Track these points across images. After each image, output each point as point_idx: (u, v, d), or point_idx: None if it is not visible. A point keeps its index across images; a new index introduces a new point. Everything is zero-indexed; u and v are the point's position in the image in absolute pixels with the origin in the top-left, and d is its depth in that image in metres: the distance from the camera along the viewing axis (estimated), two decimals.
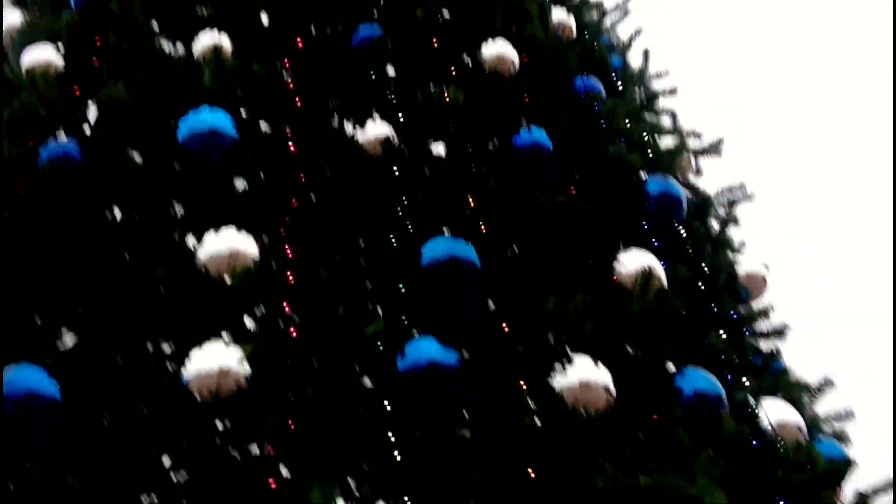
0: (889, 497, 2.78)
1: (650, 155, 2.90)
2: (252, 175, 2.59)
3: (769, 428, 2.68)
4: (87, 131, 2.74)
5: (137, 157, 2.57)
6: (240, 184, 2.59)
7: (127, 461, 1.85)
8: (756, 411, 2.72)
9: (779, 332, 3.37)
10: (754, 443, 2.53)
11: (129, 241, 2.39)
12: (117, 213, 2.47)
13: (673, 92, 3.43)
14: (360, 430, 1.92)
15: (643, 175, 2.82)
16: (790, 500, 2.41)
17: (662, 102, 3.36)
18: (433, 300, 2.22)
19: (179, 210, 2.53)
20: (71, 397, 2.00)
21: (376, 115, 2.67)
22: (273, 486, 1.87)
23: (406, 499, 1.88)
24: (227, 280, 2.24)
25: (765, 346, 3.33)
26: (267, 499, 1.82)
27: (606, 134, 2.68)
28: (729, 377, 2.79)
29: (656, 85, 3.42)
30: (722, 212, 3.28)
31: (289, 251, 2.39)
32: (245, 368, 1.99)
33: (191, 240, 2.36)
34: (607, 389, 2.18)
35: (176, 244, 2.40)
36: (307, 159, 2.61)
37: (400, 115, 2.71)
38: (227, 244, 2.29)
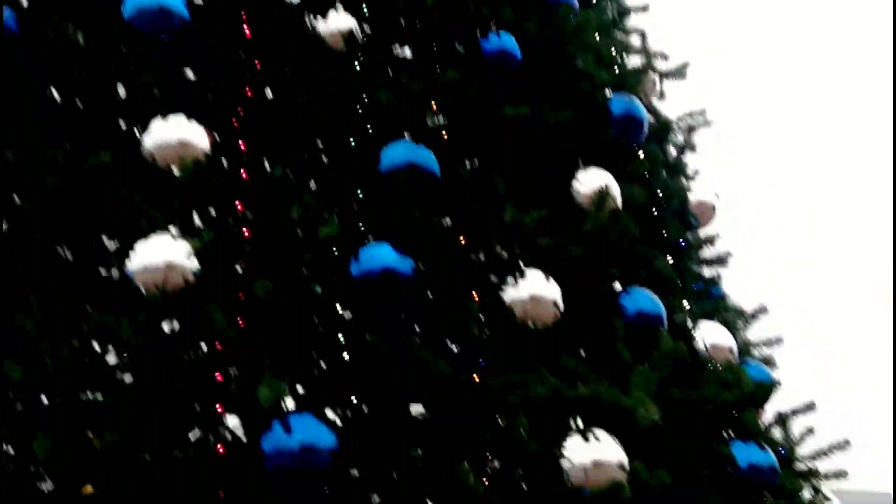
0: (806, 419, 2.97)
1: (616, 73, 2.86)
2: (204, 61, 2.47)
3: (703, 349, 2.82)
4: (25, 2, 2.55)
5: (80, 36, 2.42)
6: (190, 70, 2.47)
7: (71, 358, 1.82)
8: (693, 333, 2.84)
9: (721, 260, 3.48)
10: (688, 361, 2.65)
11: (71, 124, 2.27)
12: (56, 95, 2.33)
13: (645, 9, 3.36)
14: (311, 333, 1.92)
15: (608, 93, 2.79)
16: (718, 417, 2.54)
17: (633, 20, 3.29)
18: (390, 206, 2.19)
19: (123, 94, 2.40)
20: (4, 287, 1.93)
21: (339, 6, 2.54)
22: (220, 379, 1.87)
23: (354, 401, 1.91)
24: (176, 172, 2.16)
25: (707, 272, 3.45)
26: (214, 395, 1.82)
27: (576, 46, 2.62)
28: (670, 300, 2.90)
29: (629, 1, 3.35)
30: (680, 137, 3.30)
31: (242, 146, 2.31)
32: (193, 263, 1.95)
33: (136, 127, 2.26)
34: (556, 304, 2.23)
35: (121, 131, 2.29)
36: (264, 47, 2.48)
37: (365, 8, 2.59)
38: (177, 133, 2.15)
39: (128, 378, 1.87)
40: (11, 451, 1.79)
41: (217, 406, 1.81)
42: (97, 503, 1.68)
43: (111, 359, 1.84)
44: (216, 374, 1.83)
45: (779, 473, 2.48)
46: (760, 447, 2.48)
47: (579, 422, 1.99)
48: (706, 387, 2.43)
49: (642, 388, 2.14)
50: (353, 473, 1.83)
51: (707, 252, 3.42)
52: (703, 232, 3.44)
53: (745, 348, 3.32)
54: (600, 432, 1.99)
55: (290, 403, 1.81)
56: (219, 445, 1.76)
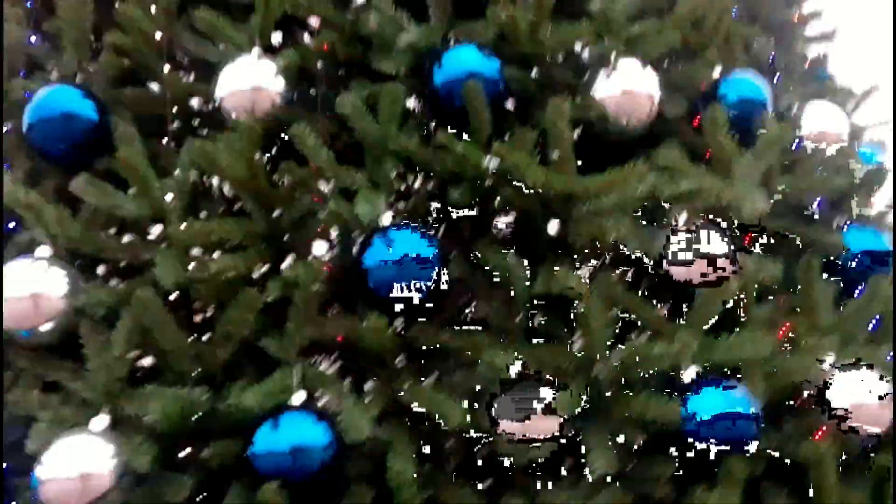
0: None
1: None
2: None
3: (812, 132, 2.65)
4: None
5: None
6: None
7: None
8: (800, 118, 2.66)
9: (827, 37, 3.17)
10: (795, 146, 2.50)
11: None
12: None
13: None
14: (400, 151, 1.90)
15: None
16: (829, 203, 2.44)
17: None
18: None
19: None
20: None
21: None
22: (316, 200, 1.91)
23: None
24: None
25: (814, 50, 3.17)
26: (313, 212, 1.87)
27: None
28: (773, 82, 2.69)
29: None
30: None
31: None
32: (279, 84, 1.94)
33: None
34: (651, 98, 2.11)
35: None
36: None
37: None
38: None
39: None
40: None
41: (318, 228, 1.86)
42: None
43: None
44: (314, 197, 1.87)
45: (891, 255, 2.40)
46: (877, 232, 2.40)
47: (682, 218, 1.95)
48: (810, 174, 2.32)
49: (747, 178, 2.06)
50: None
51: (812, 29, 3.13)
52: (808, 7, 3.12)
53: (854, 132, 3.12)
54: (708, 228, 1.94)
55: (387, 219, 1.84)
56: (325, 265, 1.83)
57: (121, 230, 1.93)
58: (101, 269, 1.93)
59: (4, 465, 1.82)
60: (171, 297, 1.83)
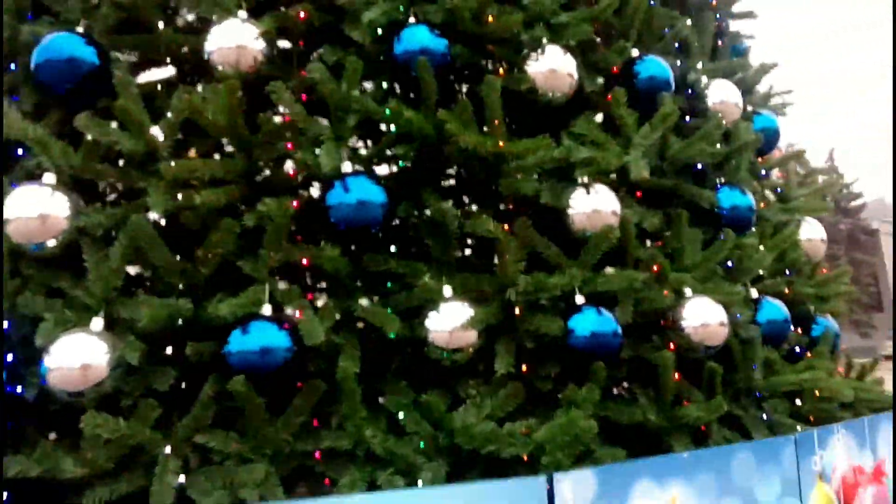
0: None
1: None
2: None
3: (714, 104, 3.11)
4: None
5: None
6: None
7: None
8: (705, 91, 3.12)
9: (749, 14, 3.62)
10: (687, 120, 2.97)
11: None
12: None
13: None
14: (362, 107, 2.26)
15: None
16: (712, 165, 2.91)
17: None
18: None
19: None
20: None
21: None
22: (290, 148, 2.26)
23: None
24: None
25: (735, 26, 3.60)
26: (286, 157, 2.23)
27: None
28: (686, 61, 3.13)
29: None
30: None
31: None
32: (261, 44, 2.25)
33: None
34: (571, 76, 2.51)
35: None
36: None
37: None
38: None
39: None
40: None
41: (291, 173, 2.23)
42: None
43: None
44: (287, 144, 2.22)
45: (754, 212, 2.92)
46: (742, 192, 2.91)
47: (585, 177, 2.40)
48: (698, 142, 2.78)
49: (639, 148, 2.52)
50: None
51: (737, 6, 3.56)
52: None
53: (760, 100, 3.61)
54: (601, 186, 2.41)
55: (347, 167, 2.22)
56: (295, 203, 2.20)
57: (117, 163, 2.23)
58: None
59: (13, 356, 2.14)
60: (162, 223, 2.18)
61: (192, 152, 2.22)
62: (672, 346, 2.45)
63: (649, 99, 2.71)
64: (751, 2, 3.76)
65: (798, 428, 2.65)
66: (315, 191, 2.23)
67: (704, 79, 3.13)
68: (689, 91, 3.00)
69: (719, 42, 3.40)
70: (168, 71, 2.34)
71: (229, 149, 2.24)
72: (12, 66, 2.27)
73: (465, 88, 2.47)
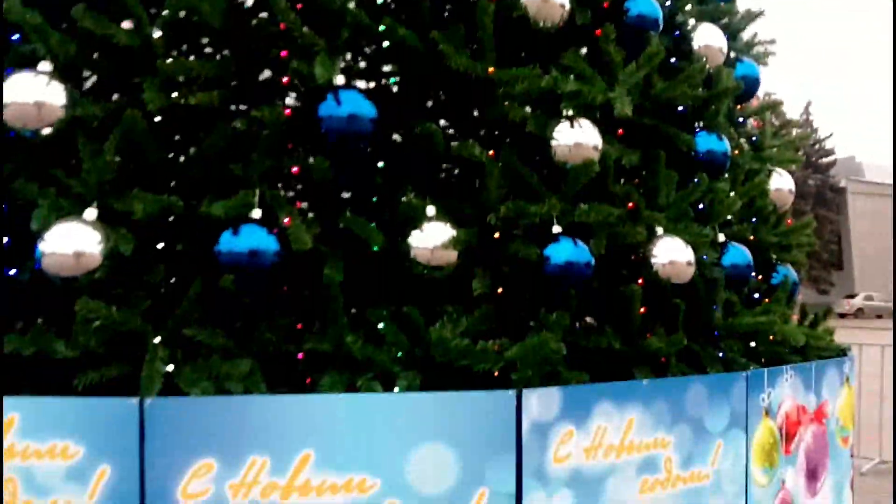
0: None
1: None
2: None
3: (699, 47, 3.16)
4: None
5: None
6: None
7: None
8: (691, 33, 3.17)
9: None
10: (672, 61, 3.02)
11: None
12: None
13: None
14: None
15: None
16: (693, 108, 2.98)
17: None
18: None
19: None
20: None
21: None
22: (285, 55, 2.29)
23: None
24: None
25: None
26: (281, 69, 2.25)
27: None
28: (675, 1, 3.16)
29: None
30: None
31: None
32: None
33: None
34: (563, 6, 2.54)
35: None
36: None
37: None
38: None
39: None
40: None
41: (283, 79, 2.26)
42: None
43: None
44: (282, 51, 2.24)
45: (729, 158, 3.02)
46: (719, 137, 3.00)
47: (570, 110, 2.46)
48: (681, 83, 2.84)
49: (625, 85, 2.58)
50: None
51: None
52: None
53: (743, 47, 3.66)
54: (584, 121, 2.47)
55: (340, 80, 2.26)
56: (286, 110, 2.24)
57: (112, 56, 2.24)
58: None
59: (7, 239, 2.19)
60: (156, 119, 2.20)
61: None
62: (641, 280, 2.57)
63: (637, 37, 2.76)
64: None
65: (751, 367, 2.81)
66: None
67: (692, 21, 3.17)
68: (677, 32, 3.05)
69: None
70: None
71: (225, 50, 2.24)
72: None
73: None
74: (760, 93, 3.79)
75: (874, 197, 47.28)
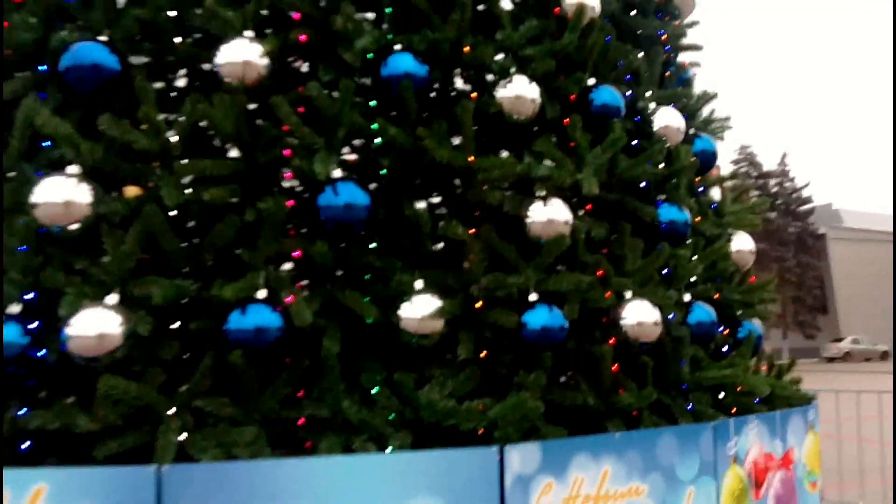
0: None
1: None
2: None
3: (659, 127, 3.45)
4: None
5: None
6: None
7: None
8: (651, 117, 3.46)
9: (695, 47, 3.97)
10: (635, 142, 3.30)
11: None
12: None
13: None
14: (351, 122, 2.56)
15: None
16: (654, 183, 3.26)
17: None
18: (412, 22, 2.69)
19: None
20: None
21: None
22: (289, 154, 2.54)
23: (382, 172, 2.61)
24: None
25: (682, 58, 3.95)
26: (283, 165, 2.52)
27: None
28: (636, 89, 3.46)
29: None
30: None
31: None
32: (265, 61, 2.52)
33: None
34: (534, 101, 2.81)
35: None
36: None
37: None
38: None
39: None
40: None
41: (286, 174, 2.51)
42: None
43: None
44: (285, 150, 2.50)
45: (689, 227, 3.28)
46: (679, 208, 3.26)
47: (542, 191, 2.72)
48: (643, 162, 3.11)
49: (591, 166, 2.85)
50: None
51: (685, 40, 3.91)
52: (685, 20, 3.89)
53: (701, 124, 3.97)
54: (556, 199, 2.73)
55: (337, 173, 2.51)
56: (289, 202, 2.49)
57: (133, 159, 2.49)
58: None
59: (37, 323, 2.39)
60: (172, 214, 2.44)
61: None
62: (612, 340, 2.79)
63: (602, 123, 3.04)
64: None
65: (718, 417, 3.01)
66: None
67: (652, 105, 3.47)
68: (638, 117, 3.34)
69: (667, 72, 3.74)
70: (180, 79, 2.58)
71: (233, 153, 2.49)
72: (42, 67, 2.50)
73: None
74: (736, 145, 4.07)
75: (854, 243, 47.93)
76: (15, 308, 2.32)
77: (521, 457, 2.38)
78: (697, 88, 3.96)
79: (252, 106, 2.54)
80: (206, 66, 2.60)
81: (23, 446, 2.20)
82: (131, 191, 2.48)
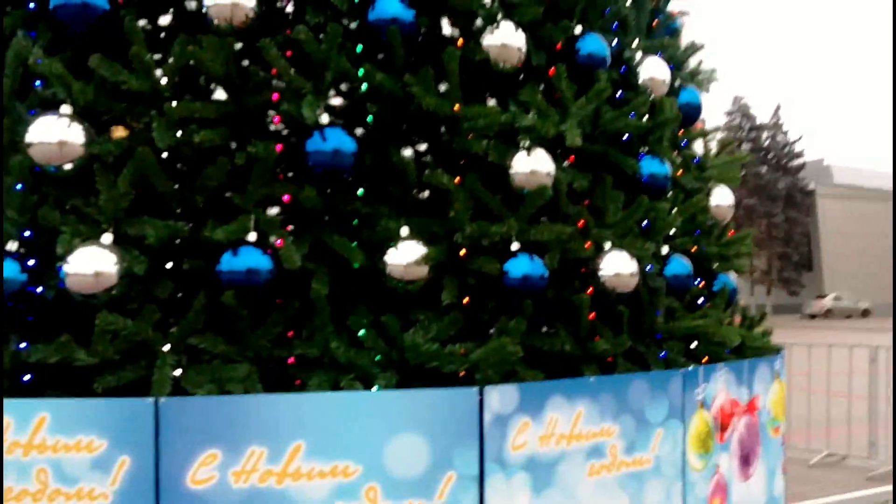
0: None
1: None
2: None
3: (645, 79, 3.53)
4: None
5: None
6: None
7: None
8: (637, 68, 3.54)
9: None
10: (620, 93, 3.39)
11: None
12: None
13: None
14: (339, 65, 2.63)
15: None
16: (637, 135, 3.35)
17: None
18: None
19: None
20: None
21: None
22: (276, 98, 2.62)
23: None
24: None
25: (672, 6, 4.00)
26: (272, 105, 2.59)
27: None
28: (623, 39, 3.53)
29: None
30: None
31: None
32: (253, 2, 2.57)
33: None
34: (520, 50, 2.90)
35: None
36: None
37: None
38: None
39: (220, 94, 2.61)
40: None
41: (274, 119, 2.59)
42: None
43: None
44: (273, 94, 2.57)
45: (669, 180, 3.39)
46: (661, 161, 3.37)
47: (526, 142, 2.82)
48: (627, 114, 3.20)
49: (575, 117, 2.94)
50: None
51: None
52: None
53: (687, 76, 4.05)
54: (539, 150, 2.83)
55: (325, 119, 2.59)
56: (278, 146, 2.57)
57: (123, 100, 2.55)
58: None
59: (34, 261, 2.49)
60: (164, 155, 2.52)
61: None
62: (590, 290, 2.94)
63: (587, 73, 3.12)
64: None
65: (689, 365, 3.18)
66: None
67: (639, 55, 3.53)
68: (624, 67, 3.41)
69: (655, 21, 3.79)
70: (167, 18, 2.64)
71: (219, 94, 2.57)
72: (31, 4, 2.54)
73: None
74: (730, 95, 4.16)
75: (843, 199, 48.38)
76: (12, 245, 2.41)
77: (500, 397, 2.54)
78: (693, 38, 4.03)
79: (238, 46, 2.58)
80: (191, 5, 2.64)
81: (24, 379, 2.32)
82: (118, 132, 2.55)
